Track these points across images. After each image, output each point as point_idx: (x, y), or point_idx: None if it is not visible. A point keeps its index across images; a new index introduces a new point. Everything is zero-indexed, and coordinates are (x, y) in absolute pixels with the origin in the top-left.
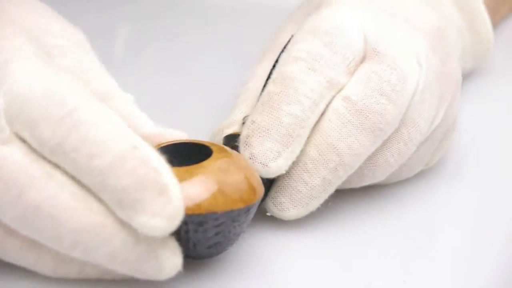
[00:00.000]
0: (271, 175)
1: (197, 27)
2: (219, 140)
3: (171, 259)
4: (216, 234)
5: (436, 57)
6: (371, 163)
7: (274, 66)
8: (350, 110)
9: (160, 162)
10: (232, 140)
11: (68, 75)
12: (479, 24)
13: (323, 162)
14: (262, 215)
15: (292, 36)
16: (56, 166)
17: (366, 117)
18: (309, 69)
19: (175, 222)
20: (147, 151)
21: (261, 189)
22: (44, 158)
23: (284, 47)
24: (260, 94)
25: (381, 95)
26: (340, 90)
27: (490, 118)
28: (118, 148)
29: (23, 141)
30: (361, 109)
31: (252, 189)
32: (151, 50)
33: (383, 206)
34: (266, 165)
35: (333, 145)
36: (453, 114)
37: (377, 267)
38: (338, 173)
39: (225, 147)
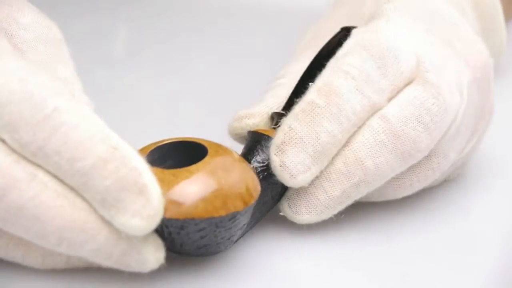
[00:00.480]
0: (294, 186)
1: (197, 27)
2: (236, 128)
3: (154, 254)
4: (201, 237)
5: (477, 92)
6: (395, 183)
7: (312, 67)
8: (385, 131)
9: (140, 162)
10: (257, 137)
11: (48, 73)
12: (494, 31)
13: (347, 175)
14: (275, 213)
15: (339, 39)
16: (39, 165)
17: (399, 141)
18: (357, 89)
19: (155, 222)
20: (126, 151)
21: (251, 196)
22: (26, 158)
23: (328, 50)
24: (293, 94)
25: (419, 122)
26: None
27: (502, 121)
28: (99, 149)
29: (3, 141)
30: (396, 132)
31: (239, 196)
32: (151, 50)
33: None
34: (294, 178)
35: (361, 161)
36: (480, 143)
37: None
38: (359, 188)
39: (223, 146)
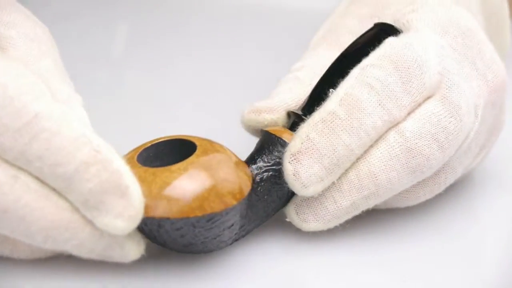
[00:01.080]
0: (305, 196)
1: (197, 25)
2: (252, 121)
3: (136, 247)
4: (181, 236)
5: (492, 112)
6: (402, 195)
7: (336, 66)
8: (400, 146)
9: (121, 164)
10: (272, 139)
11: (29, 74)
12: (500, 32)
13: (359, 187)
14: (280, 219)
15: (371, 37)
16: (21, 168)
17: (413, 157)
18: (380, 104)
19: (136, 221)
20: (108, 153)
21: (233, 198)
22: (8, 161)
23: (356, 48)
24: (313, 94)
25: (435, 140)
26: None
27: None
28: (81, 154)
29: None
30: (411, 148)
31: (218, 198)
32: (151, 48)
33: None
34: (306, 188)
35: (375, 175)
36: (487, 156)
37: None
38: (369, 201)
39: (215, 144)
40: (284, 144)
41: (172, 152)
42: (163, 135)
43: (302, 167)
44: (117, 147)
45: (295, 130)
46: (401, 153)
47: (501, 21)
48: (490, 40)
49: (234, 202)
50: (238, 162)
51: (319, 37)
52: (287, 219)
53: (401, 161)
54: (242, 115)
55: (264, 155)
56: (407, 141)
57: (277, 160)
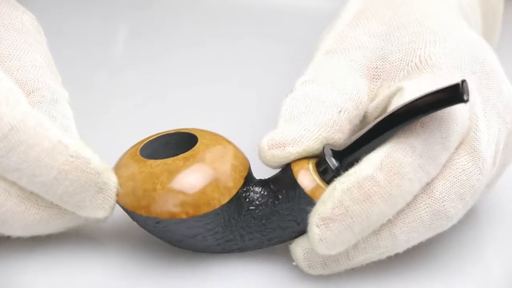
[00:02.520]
0: (324, 254)
1: (197, 26)
2: (278, 157)
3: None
4: (166, 232)
5: (504, 153)
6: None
7: (381, 125)
8: (427, 207)
9: (97, 162)
10: (295, 190)
11: (3, 78)
12: (492, 31)
13: (376, 246)
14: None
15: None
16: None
17: (438, 219)
18: (421, 167)
19: (113, 208)
20: (84, 155)
21: (213, 204)
22: None
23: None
24: (358, 142)
25: (461, 200)
26: None
27: None
28: (58, 163)
29: None
30: (437, 210)
31: (193, 204)
32: (151, 49)
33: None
34: (330, 251)
35: (395, 236)
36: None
37: None
38: (383, 255)
39: (220, 140)
40: (307, 200)
41: (178, 145)
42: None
43: (331, 234)
44: (117, 146)
45: (323, 171)
46: (426, 215)
47: (497, 14)
48: (486, 35)
49: (209, 208)
50: (234, 165)
51: (327, 48)
52: (294, 264)
53: (424, 223)
54: (261, 150)
55: (277, 192)
56: (435, 203)
57: (292, 207)
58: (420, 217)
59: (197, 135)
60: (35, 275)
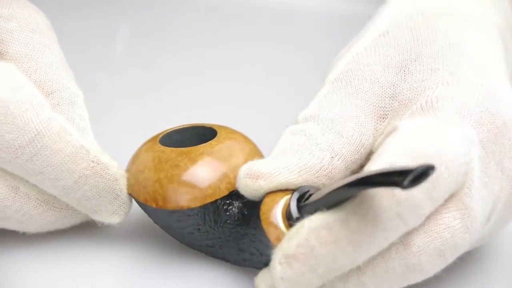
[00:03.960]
0: None
1: (198, 26)
2: (248, 187)
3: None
4: (162, 223)
5: (509, 208)
6: None
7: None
8: (401, 259)
9: (116, 169)
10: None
11: (25, 82)
12: None
13: None
14: None
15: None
16: (21, 177)
17: (412, 272)
18: (398, 215)
19: (127, 212)
20: (104, 162)
21: (195, 200)
22: (8, 173)
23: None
24: (330, 194)
25: (440, 256)
26: None
27: None
28: (79, 168)
29: None
30: (412, 264)
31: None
32: (153, 48)
33: None
34: None
35: (364, 284)
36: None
37: None
38: None
39: (234, 131)
40: (267, 238)
41: (197, 138)
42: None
43: (292, 273)
44: (118, 145)
45: (288, 214)
46: (400, 267)
47: None
48: None
49: (186, 203)
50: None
51: (337, 75)
52: None
53: (396, 274)
54: (238, 176)
55: (249, 217)
56: (410, 256)
57: (256, 236)
58: (393, 268)
59: (217, 130)
60: (35, 272)
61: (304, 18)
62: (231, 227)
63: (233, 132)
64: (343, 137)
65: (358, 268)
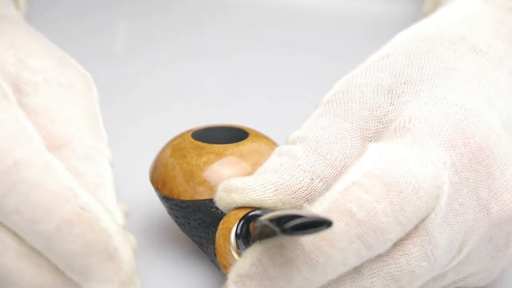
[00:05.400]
0: None
1: (199, 22)
2: (223, 200)
3: None
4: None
5: (488, 246)
6: None
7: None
8: (352, 282)
9: (110, 223)
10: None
11: (21, 119)
12: None
13: None
14: None
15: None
16: None
17: None
18: (359, 238)
19: (127, 286)
20: (95, 211)
21: (186, 193)
22: None
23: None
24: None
25: (395, 281)
26: None
27: None
28: (63, 211)
29: None
30: (364, 286)
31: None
32: (153, 45)
33: None
34: None
35: None
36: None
37: None
38: None
39: (259, 133)
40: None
41: (225, 139)
42: (163, 133)
43: None
44: (119, 143)
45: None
46: None
47: None
48: None
49: (180, 198)
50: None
51: (330, 97)
52: None
53: None
54: (217, 189)
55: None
56: (362, 279)
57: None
58: None
59: (249, 132)
60: None
61: (318, 19)
62: (215, 230)
63: (261, 138)
64: (326, 159)
65: None
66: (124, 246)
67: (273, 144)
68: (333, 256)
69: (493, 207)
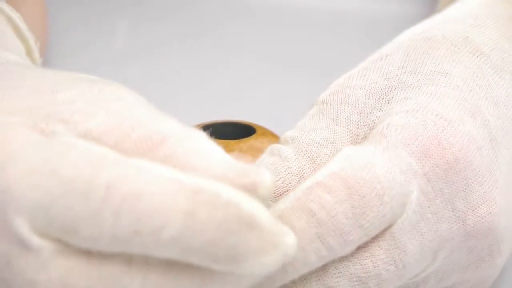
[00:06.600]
0: None
1: (200, 24)
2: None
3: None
4: None
5: (468, 257)
6: None
7: None
8: (318, 280)
9: (229, 192)
10: None
11: (75, 145)
12: None
13: None
14: None
15: None
16: (129, 254)
17: None
18: (319, 237)
19: (283, 248)
20: (209, 188)
21: None
22: (103, 255)
23: None
24: None
25: (362, 283)
26: None
27: None
28: (178, 205)
29: (67, 245)
30: (330, 287)
31: None
32: (154, 45)
33: None
34: None
35: None
36: None
37: None
38: None
39: (267, 130)
40: None
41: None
42: None
43: None
44: None
45: None
46: None
47: None
48: None
49: None
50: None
51: (325, 97)
52: None
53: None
54: None
55: None
56: (328, 278)
57: None
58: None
59: (255, 127)
60: None
61: (322, 18)
62: None
63: (267, 136)
64: (315, 163)
65: None
66: (257, 207)
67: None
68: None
69: (469, 218)
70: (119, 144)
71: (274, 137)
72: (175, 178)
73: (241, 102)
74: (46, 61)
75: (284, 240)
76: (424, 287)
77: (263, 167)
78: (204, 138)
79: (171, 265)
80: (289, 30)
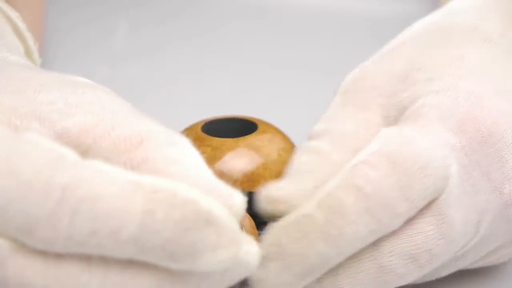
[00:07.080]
0: None
1: (201, 23)
2: (268, 212)
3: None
4: None
5: (506, 226)
6: None
7: None
8: (372, 259)
9: (186, 190)
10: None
11: (42, 141)
12: None
13: None
14: None
15: None
16: (87, 254)
17: (385, 274)
18: (367, 211)
19: (240, 242)
20: (166, 187)
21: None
22: (61, 256)
23: None
24: None
25: (413, 260)
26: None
27: None
28: (136, 205)
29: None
30: (384, 265)
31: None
32: (153, 44)
33: None
34: None
35: (340, 286)
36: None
37: None
38: None
39: (270, 127)
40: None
41: (235, 130)
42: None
43: (268, 274)
44: None
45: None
46: (372, 267)
47: None
48: None
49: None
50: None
51: (347, 86)
52: None
53: (370, 276)
54: (259, 200)
55: None
56: (381, 256)
57: None
58: (366, 269)
59: (258, 123)
60: None
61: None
62: None
63: (268, 132)
64: (355, 151)
65: (332, 270)
66: (214, 204)
67: (280, 139)
68: (344, 229)
69: (506, 188)
70: (98, 142)
71: (277, 133)
72: (132, 179)
73: (243, 103)
74: (46, 61)
75: (242, 240)
76: (463, 262)
77: (306, 168)
78: (187, 147)
79: (131, 263)
80: (291, 31)
